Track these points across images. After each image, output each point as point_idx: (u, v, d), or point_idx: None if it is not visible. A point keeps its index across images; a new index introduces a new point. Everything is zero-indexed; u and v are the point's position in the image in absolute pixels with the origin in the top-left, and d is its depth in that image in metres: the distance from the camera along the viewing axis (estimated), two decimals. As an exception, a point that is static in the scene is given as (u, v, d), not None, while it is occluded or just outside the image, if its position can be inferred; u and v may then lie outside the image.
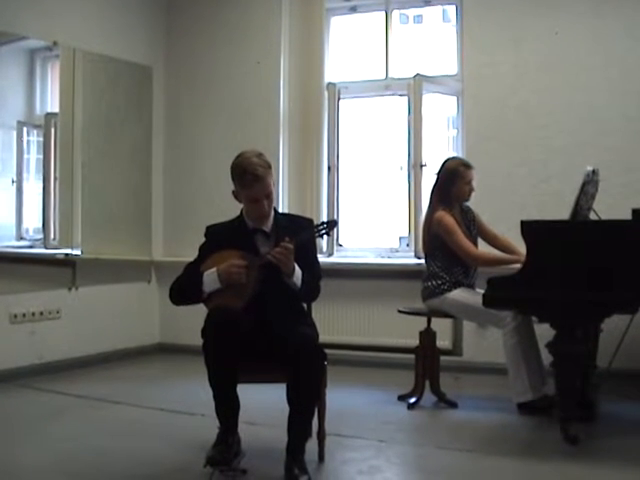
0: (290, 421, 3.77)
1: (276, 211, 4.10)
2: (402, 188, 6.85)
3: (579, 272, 4.25)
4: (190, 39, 7.49)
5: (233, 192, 4.00)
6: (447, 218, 5.23)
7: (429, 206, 5.42)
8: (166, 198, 7.58)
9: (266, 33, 7.15)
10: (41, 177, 6.60)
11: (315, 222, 4.13)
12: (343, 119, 7.10)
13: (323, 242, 6.79)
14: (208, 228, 4.13)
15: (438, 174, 5.44)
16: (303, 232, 3.94)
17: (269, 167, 3.95)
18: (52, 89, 6.70)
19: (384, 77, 6.99)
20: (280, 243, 3.80)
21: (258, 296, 3.84)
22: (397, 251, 6.89)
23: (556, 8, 6.25)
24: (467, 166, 5.36)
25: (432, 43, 6.96)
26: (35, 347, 6.23)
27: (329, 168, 6.98)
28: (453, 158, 5.54)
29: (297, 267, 3.87)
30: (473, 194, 5.42)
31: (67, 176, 6.58)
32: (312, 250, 4.11)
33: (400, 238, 6.90)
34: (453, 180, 5.31)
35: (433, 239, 5.31)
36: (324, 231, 3.96)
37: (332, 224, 4.03)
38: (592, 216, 4.88)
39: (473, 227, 5.42)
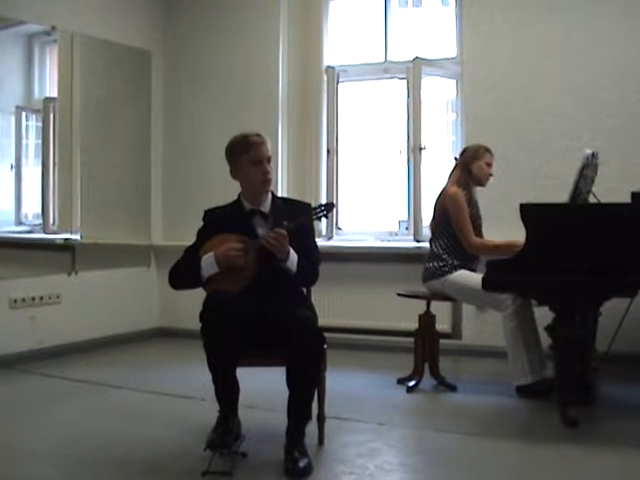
0: (290, 404, 3.78)
1: (274, 194, 4.12)
2: (401, 171, 6.85)
3: (578, 255, 4.25)
4: (189, 23, 7.46)
5: (231, 172, 4.03)
6: (460, 195, 5.28)
7: (448, 180, 5.46)
8: (165, 182, 7.58)
9: (265, 16, 7.12)
10: (40, 162, 6.59)
11: (313, 206, 4.13)
12: (342, 103, 7.08)
13: (322, 225, 6.81)
14: (206, 212, 4.14)
15: (461, 154, 5.52)
16: (301, 216, 3.95)
17: (265, 139, 4.05)
18: (50, 74, 6.69)
19: (383, 60, 6.98)
20: (275, 229, 3.81)
21: (257, 279, 3.86)
22: (396, 234, 6.89)
23: (555, -10, 6.24)
24: (488, 150, 5.44)
25: (431, 26, 6.93)
26: (35, 332, 6.24)
27: (328, 152, 6.97)
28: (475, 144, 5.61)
29: (292, 252, 3.87)
30: (491, 179, 5.45)
31: (66, 161, 6.58)
32: (311, 234, 4.12)
33: (399, 222, 6.90)
34: (475, 157, 5.39)
35: (442, 214, 5.34)
36: (322, 214, 3.97)
37: (330, 206, 4.03)
38: (591, 199, 4.88)
39: (478, 216, 5.44)
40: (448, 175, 5.52)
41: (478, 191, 5.51)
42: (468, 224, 5.26)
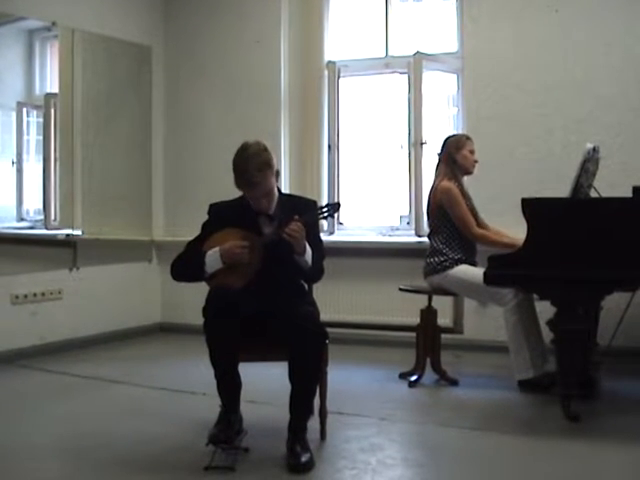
0: (292, 399, 3.79)
1: (280, 192, 4.07)
2: (403, 166, 6.84)
3: (579, 250, 4.25)
4: (189, 18, 7.45)
5: (235, 185, 3.98)
6: (454, 188, 5.28)
7: (436, 176, 5.45)
8: (166, 178, 7.57)
9: (266, 11, 7.12)
10: (41, 158, 6.58)
11: (317, 203, 4.12)
12: (343, 97, 7.07)
13: (324, 221, 6.78)
14: (212, 206, 4.10)
15: (442, 148, 5.48)
16: (307, 213, 3.92)
17: (269, 167, 3.85)
18: (51, 69, 6.69)
19: (384, 55, 6.96)
20: (294, 219, 3.77)
21: (259, 275, 3.85)
22: (398, 229, 6.88)
23: (556, -15, 6.23)
24: (468, 138, 5.47)
25: (432, 20, 6.92)
26: (36, 328, 6.25)
27: (329, 147, 6.96)
28: (453, 134, 5.66)
29: (308, 246, 3.87)
30: (477, 166, 5.44)
31: (67, 157, 6.58)
32: (316, 231, 4.10)
33: (401, 216, 6.90)
34: (458, 146, 5.38)
35: (437, 210, 5.32)
36: (327, 213, 3.96)
37: (336, 207, 4.03)
38: (593, 194, 4.88)
39: (473, 207, 5.43)
40: (435, 170, 5.51)
41: (477, 185, 5.51)
42: (468, 215, 5.26)
